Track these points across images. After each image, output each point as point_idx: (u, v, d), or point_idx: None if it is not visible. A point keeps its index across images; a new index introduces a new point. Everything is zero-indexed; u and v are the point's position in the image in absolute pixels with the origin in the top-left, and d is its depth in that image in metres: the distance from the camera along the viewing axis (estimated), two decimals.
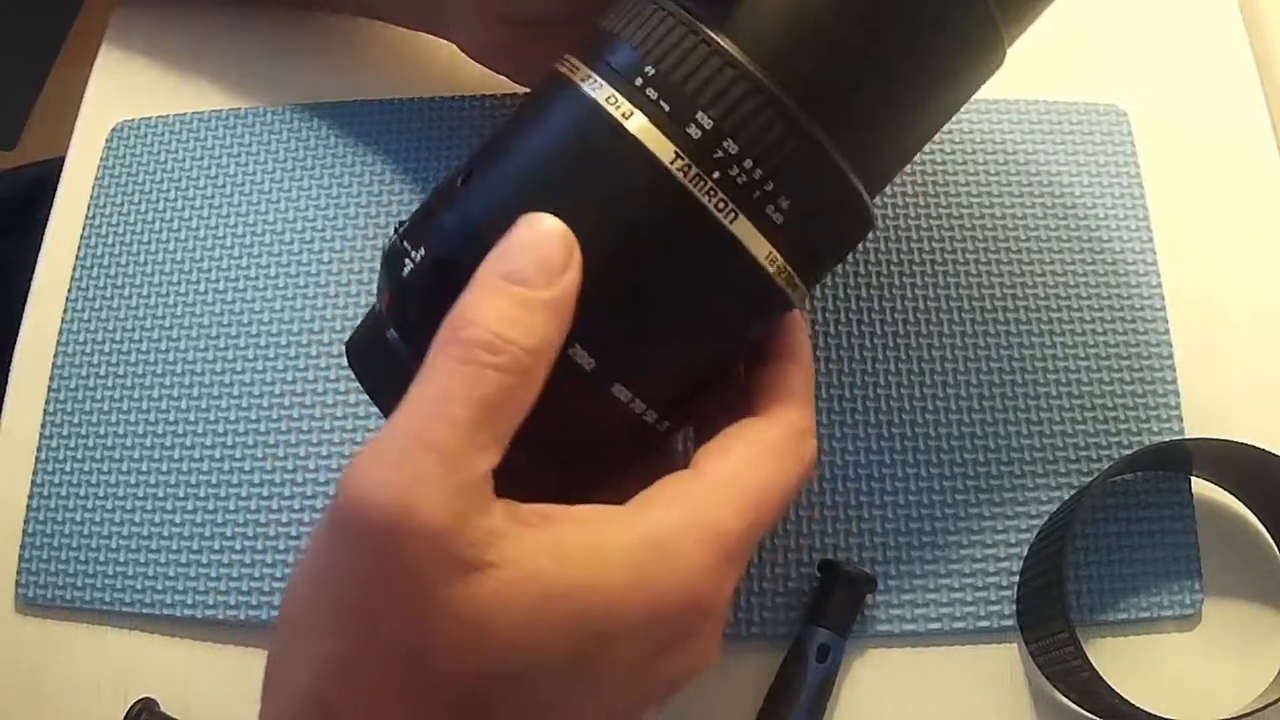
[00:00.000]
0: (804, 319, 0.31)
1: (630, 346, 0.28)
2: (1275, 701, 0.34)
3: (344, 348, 0.31)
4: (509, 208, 0.27)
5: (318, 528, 0.25)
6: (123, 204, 0.45)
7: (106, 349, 0.43)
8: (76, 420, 0.42)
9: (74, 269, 0.44)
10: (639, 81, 0.27)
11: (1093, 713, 0.37)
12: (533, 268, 0.25)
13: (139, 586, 0.39)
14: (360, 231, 0.44)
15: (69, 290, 0.44)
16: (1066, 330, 0.41)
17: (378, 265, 0.43)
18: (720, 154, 0.26)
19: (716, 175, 0.26)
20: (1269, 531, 0.39)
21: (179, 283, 0.43)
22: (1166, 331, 0.41)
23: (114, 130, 0.46)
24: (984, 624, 0.38)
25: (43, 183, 0.48)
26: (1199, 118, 0.45)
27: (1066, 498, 0.39)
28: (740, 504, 0.26)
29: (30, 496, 0.41)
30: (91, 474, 0.41)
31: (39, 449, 0.42)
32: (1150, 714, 0.33)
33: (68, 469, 0.41)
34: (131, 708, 0.37)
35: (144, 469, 0.41)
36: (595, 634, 0.25)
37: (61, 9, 0.59)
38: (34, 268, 0.45)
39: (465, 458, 0.24)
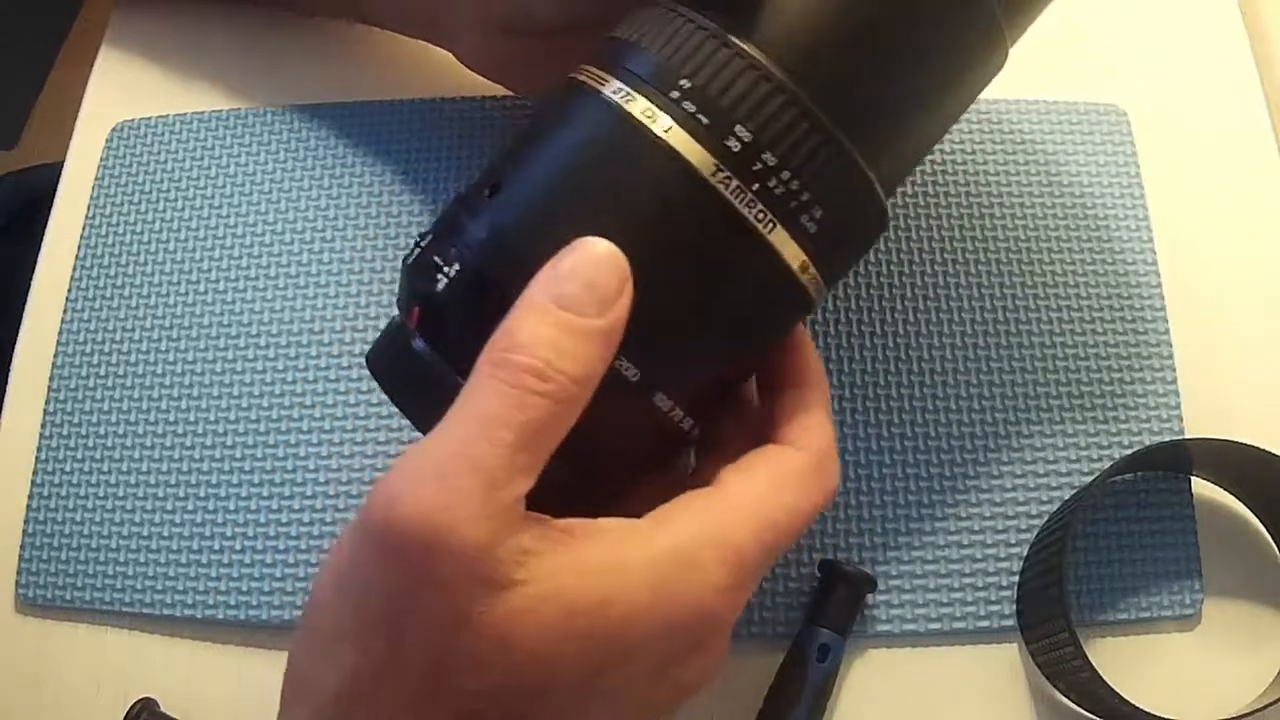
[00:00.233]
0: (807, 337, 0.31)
1: (672, 356, 0.28)
2: (1275, 701, 0.34)
3: (364, 360, 0.31)
4: (543, 222, 0.27)
5: (345, 531, 0.25)
6: (122, 204, 0.45)
7: (106, 349, 0.43)
8: (76, 420, 0.42)
9: (74, 269, 0.44)
10: (675, 95, 0.27)
11: (1093, 713, 0.37)
12: (586, 294, 0.25)
13: (139, 586, 0.39)
14: (360, 232, 0.44)
15: (69, 290, 0.44)
16: (1066, 330, 0.41)
17: (378, 266, 0.43)
18: (759, 166, 0.27)
19: (756, 187, 0.27)
20: (1269, 531, 0.39)
21: (179, 283, 0.43)
22: (1166, 331, 0.41)
23: (114, 130, 0.46)
24: (984, 624, 0.38)
25: (44, 185, 0.48)
26: (1199, 118, 0.45)
27: (1066, 498, 0.39)
28: (759, 527, 0.27)
29: (30, 496, 0.41)
30: (91, 474, 0.41)
31: (39, 449, 0.42)
32: (1150, 714, 0.33)
33: (68, 469, 0.41)
34: (131, 708, 0.37)
35: (144, 469, 0.41)
36: (614, 647, 0.25)
37: (61, 9, 0.59)
38: (34, 268, 0.45)
39: (506, 479, 0.24)
